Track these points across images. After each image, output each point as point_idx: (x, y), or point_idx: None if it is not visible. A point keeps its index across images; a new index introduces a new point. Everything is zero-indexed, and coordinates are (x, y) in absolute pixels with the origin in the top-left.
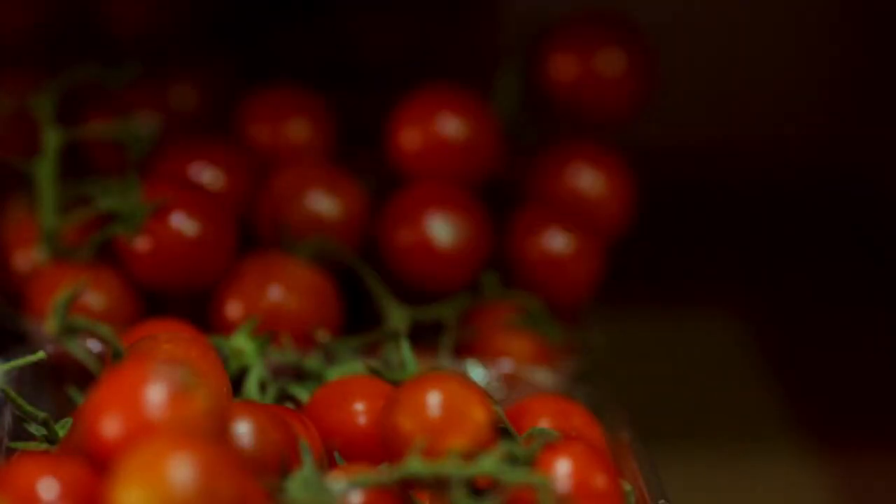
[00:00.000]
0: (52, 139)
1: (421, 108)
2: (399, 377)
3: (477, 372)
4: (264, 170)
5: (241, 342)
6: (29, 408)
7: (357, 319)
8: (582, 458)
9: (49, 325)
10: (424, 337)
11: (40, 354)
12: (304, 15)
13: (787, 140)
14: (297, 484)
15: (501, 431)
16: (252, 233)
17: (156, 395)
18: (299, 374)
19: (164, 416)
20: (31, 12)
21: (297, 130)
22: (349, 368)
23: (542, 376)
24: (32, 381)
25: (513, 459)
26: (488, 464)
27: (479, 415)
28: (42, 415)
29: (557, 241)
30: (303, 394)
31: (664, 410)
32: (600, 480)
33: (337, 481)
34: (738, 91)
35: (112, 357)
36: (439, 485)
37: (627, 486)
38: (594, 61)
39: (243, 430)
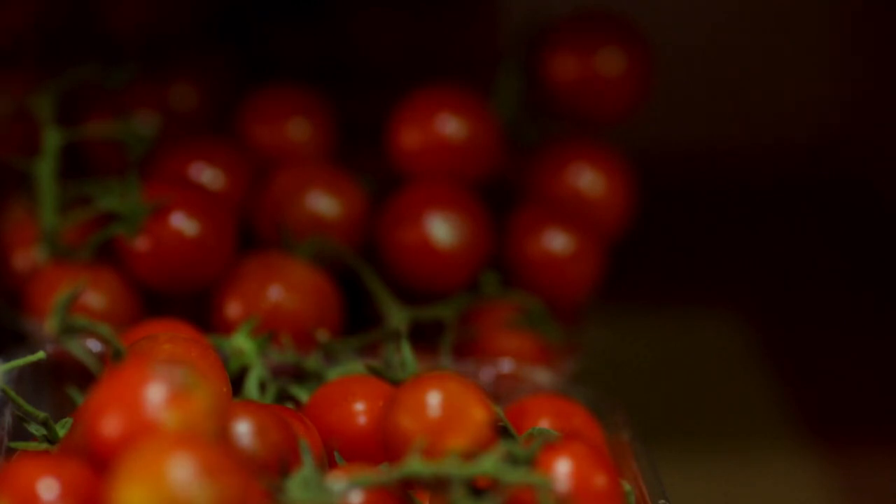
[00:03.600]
0: (52, 139)
1: (421, 108)
2: (399, 377)
3: (477, 372)
4: (264, 170)
5: (241, 342)
6: (29, 408)
7: (357, 319)
8: (582, 458)
9: (49, 325)
10: (424, 337)
11: (40, 354)
12: (303, 15)
13: (788, 143)
14: (297, 484)
15: (501, 431)
16: (252, 233)
17: (156, 395)
18: (299, 374)
19: (164, 416)
20: (30, 12)
21: (297, 130)
22: (349, 368)
23: (542, 376)
24: (32, 381)
25: (513, 459)
26: (488, 464)
27: (479, 415)
28: (42, 415)
29: (557, 241)
30: (303, 394)
31: (664, 410)
32: (600, 480)
33: (337, 481)
34: (739, 93)
35: (112, 357)
36: (439, 485)
37: (627, 486)
38: (594, 61)
39: (243, 430)
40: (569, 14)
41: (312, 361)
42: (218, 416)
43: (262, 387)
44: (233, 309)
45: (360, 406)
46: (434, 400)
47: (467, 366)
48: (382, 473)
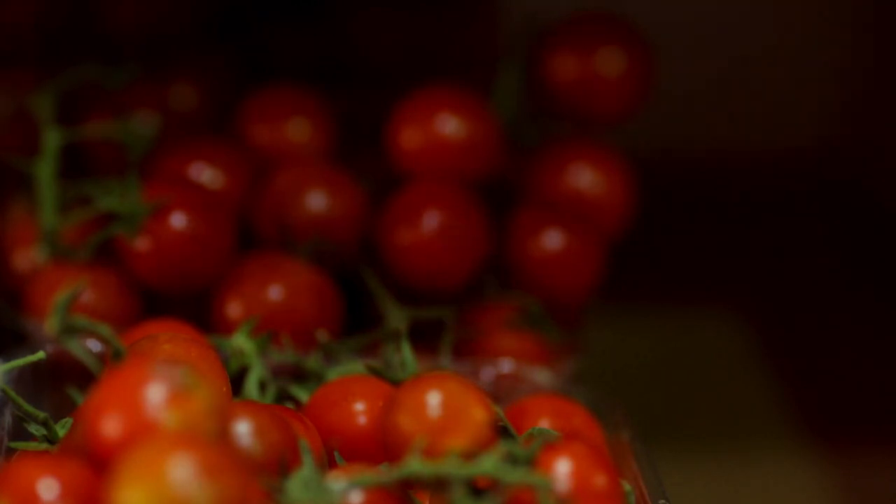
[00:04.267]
0: (52, 139)
1: (421, 108)
2: (399, 377)
3: (477, 372)
4: (264, 170)
5: (241, 342)
6: (29, 408)
7: (357, 319)
8: (582, 458)
9: (49, 325)
10: (424, 337)
11: (40, 354)
12: (303, 15)
13: (788, 143)
14: (297, 484)
15: (501, 431)
16: (252, 233)
17: (156, 395)
18: (299, 374)
19: (164, 416)
20: (30, 12)
21: (297, 130)
22: (349, 368)
23: (542, 376)
24: (32, 381)
25: (513, 459)
26: (488, 464)
27: (479, 415)
28: (42, 415)
29: (557, 241)
30: (303, 394)
31: (664, 410)
32: (600, 480)
33: (337, 481)
34: (739, 94)
35: (112, 357)
36: (439, 485)
37: (627, 486)
38: (594, 61)
39: (243, 430)
40: (569, 14)
41: (312, 361)
42: (218, 416)
43: (262, 387)
44: (233, 309)
45: (360, 406)
46: (434, 400)
47: (467, 366)
48: (382, 473)
